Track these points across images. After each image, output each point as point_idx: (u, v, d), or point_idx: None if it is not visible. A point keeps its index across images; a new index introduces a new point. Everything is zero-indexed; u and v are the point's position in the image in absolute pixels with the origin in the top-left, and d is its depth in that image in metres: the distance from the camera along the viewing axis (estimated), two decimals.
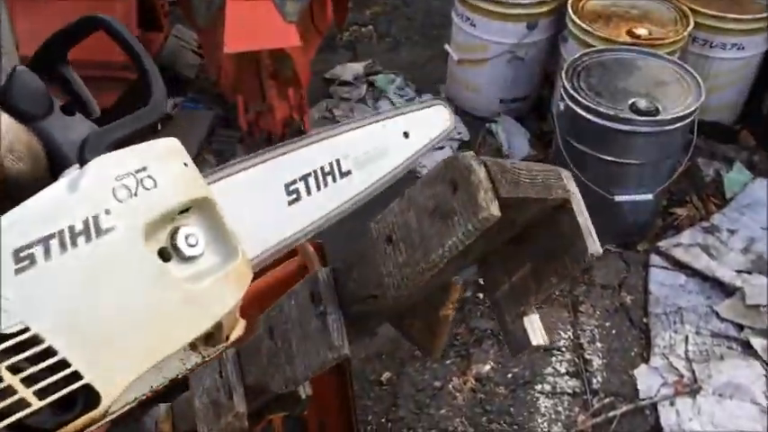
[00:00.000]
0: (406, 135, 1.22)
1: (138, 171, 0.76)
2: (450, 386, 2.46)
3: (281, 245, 1.04)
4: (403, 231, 0.92)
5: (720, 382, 2.49)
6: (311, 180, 1.06)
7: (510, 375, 2.51)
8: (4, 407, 0.68)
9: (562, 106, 2.82)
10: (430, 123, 1.27)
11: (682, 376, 2.51)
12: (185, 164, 0.81)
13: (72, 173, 0.75)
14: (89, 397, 0.72)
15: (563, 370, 2.54)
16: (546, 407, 2.42)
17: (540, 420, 2.38)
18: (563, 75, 2.83)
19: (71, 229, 0.70)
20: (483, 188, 0.82)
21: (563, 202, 0.96)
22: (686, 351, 2.60)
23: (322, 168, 1.08)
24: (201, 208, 0.81)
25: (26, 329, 0.68)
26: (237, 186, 0.97)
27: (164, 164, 0.78)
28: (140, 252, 0.75)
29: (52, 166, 0.83)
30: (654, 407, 2.42)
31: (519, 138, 3.51)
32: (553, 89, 3.45)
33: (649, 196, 2.85)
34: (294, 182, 1.04)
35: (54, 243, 0.69)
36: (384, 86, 3.86)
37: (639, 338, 2.67)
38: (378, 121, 1.19)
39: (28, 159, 0.81)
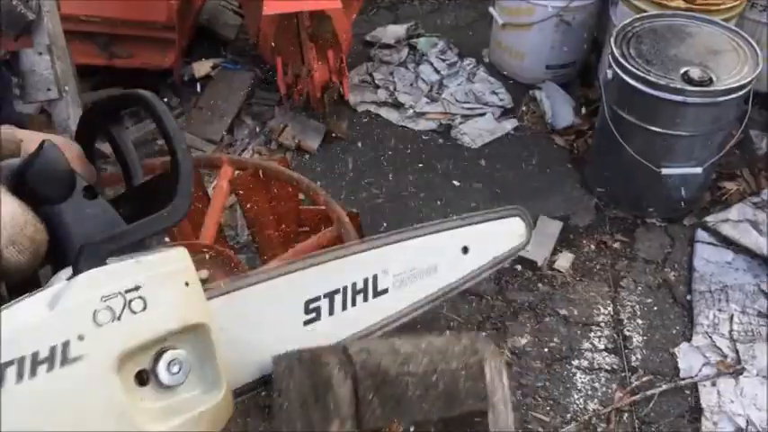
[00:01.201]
0: (465, 251, 1.03)
1: (128, 291, 0.69)
2: None
3: None
4: (281, 416, 0.76)
5: (765, 364, 2.42)
6: (338, 298, 0.91)
7: (546, 350, 2.47)
8: None
9: (610, 74, 2.71)
10: (498, 238, 1.05)
11: (725, 356, 2.44)
12: (187, 283, 0.73)
13: (61, 280, 0.70)
14: None
15: (601, 346, 2.49)
16: (582, 383, 2.38)
17: (576, 396, 2.34)
18: (612, 41, 2.72)
19: (34, 356, 0.64)
20: (340, 416, 0.65)
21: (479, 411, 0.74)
22: (730, 330, 2.53)
23: (354, 285, 0.92)
24: (194, 332, 0.74)
25: None
26: (253, 299, 0.87)
27: (161, 283, 0.71)
28: (109, 385, 0.67)
29: (56, 253, 0.78)
30: (694, 387, 2.37)
31: (563, 105, 3.41)
32: (601, 56, 3.34)
33: (698, 170, 2.75)
34: (317, 299, 0.90)
35: (11, 371, 0.63)
36: (426, 50, 3.77)
37: (682, 316, 2.60)
38: (434, 233, 1.00)
39: (29, 253, 0.77)
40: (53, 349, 0.64)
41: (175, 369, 0.72)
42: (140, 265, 0.71)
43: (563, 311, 2.58)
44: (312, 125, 3.33)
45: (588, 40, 3.47)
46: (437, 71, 3.67)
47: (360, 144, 3.31)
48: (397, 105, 3.49)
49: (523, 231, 1.08)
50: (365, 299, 0.91)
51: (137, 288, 0.69)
